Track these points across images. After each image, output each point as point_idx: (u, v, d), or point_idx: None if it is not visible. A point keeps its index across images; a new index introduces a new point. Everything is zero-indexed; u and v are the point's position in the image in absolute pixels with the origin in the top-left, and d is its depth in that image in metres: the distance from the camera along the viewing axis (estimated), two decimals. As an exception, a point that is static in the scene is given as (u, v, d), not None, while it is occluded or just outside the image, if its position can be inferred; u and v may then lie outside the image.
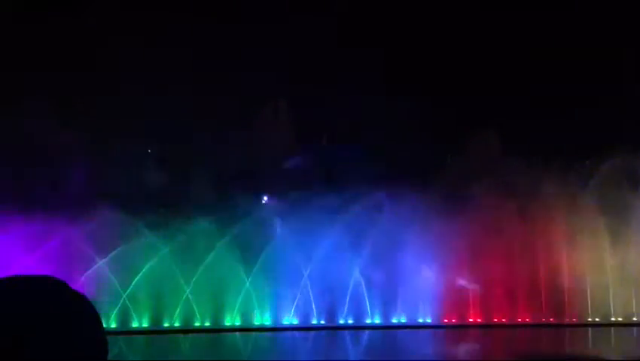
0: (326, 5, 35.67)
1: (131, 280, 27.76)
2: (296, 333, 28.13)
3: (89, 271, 27.25)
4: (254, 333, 28.00)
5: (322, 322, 29.76)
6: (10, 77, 29.95)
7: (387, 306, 29.81)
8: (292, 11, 34.70)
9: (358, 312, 29.64)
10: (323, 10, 35.23)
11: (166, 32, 32.41)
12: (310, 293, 29.40)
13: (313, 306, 29.43)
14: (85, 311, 1.60)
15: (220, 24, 34.06)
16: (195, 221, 28.39)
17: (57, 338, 1.51)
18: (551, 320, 30.61)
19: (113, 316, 27.41)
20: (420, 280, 29.81)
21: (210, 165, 31.41)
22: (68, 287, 1.63)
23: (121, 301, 27.57)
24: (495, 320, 30.37)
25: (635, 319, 30.80)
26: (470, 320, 30.68)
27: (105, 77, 31.57)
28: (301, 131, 34.71)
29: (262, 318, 29.07)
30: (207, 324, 28.56)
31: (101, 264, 27.47)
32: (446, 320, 30.28)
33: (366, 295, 29.65)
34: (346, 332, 28.62)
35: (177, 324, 28.24)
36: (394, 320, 30.35)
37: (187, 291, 27.95)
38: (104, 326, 1.66)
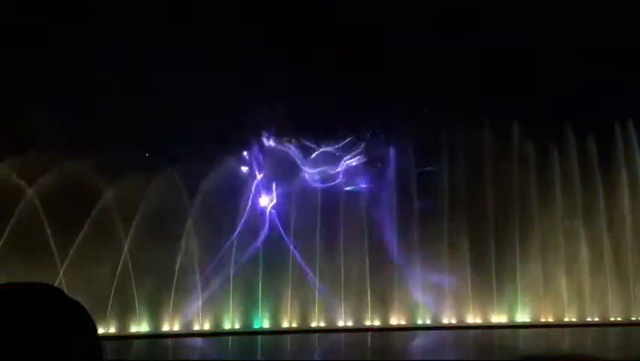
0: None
1: None
2: (296, 336, 28.18)
3: None
4: (253, 336, 28.09)
5: (322, 324, 29.84)
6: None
7: None
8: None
9: None
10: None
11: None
12: None
13: None
14: (80, 318, 1.59)
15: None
16: None
17: (53, 345, 1.50)
18: None
19: None
20: None
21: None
22: (63, 294, 1.62)
23: None
24: None
25: None
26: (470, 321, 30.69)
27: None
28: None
29: None
30: (207, 328, 28.59)
31: None
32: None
33: None
34: (347, 335, 28.65)
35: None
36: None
37: None
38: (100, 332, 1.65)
